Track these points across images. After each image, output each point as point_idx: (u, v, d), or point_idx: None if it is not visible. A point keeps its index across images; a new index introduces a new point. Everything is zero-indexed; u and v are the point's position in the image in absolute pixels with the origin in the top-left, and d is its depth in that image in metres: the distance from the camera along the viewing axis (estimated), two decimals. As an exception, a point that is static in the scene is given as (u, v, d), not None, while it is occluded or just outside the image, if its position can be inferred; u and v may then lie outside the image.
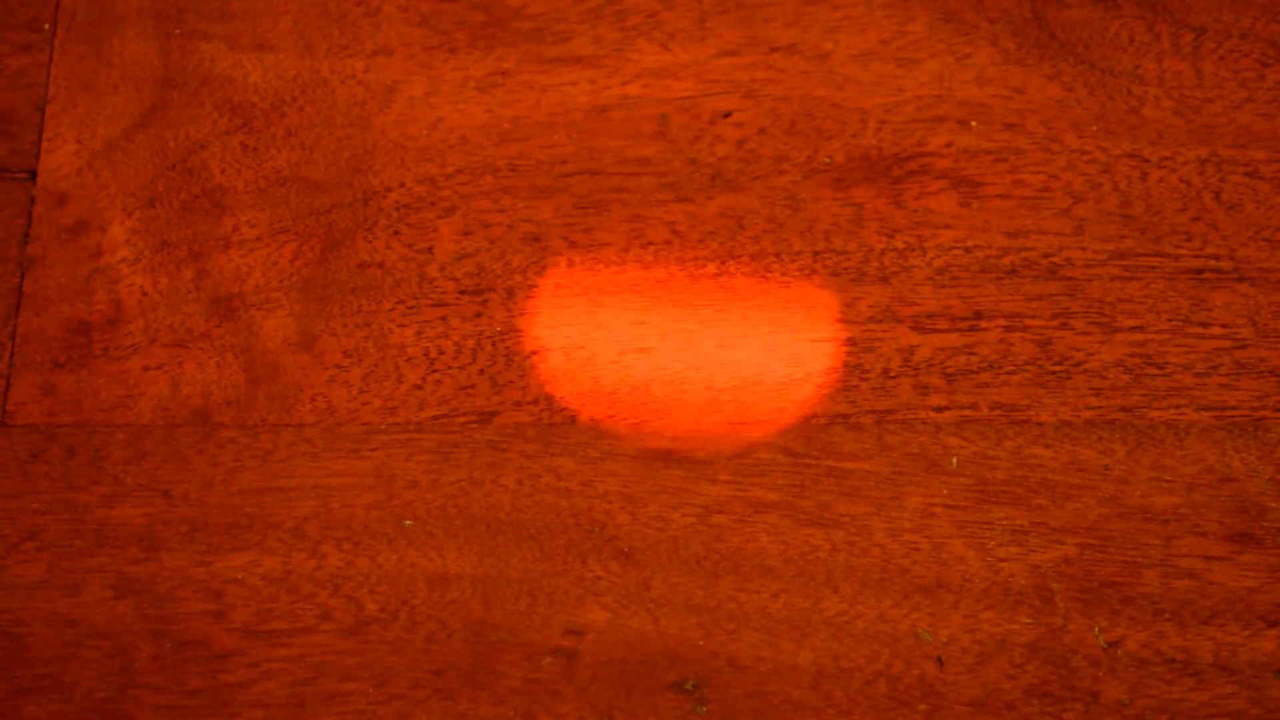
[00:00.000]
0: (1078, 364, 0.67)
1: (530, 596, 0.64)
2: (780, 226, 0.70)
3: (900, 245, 0.69)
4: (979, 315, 0.68)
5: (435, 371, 0.68)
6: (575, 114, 0.72)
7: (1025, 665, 0.62)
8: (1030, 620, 0.63)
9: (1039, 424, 0.66)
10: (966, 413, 0.66)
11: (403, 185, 0.71)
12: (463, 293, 0.69)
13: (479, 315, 0.69)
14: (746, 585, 0.64)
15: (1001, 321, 0.68)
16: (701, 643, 0.63)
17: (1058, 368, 0.67)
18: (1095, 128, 0.71)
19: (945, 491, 0.65)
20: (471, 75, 0.73)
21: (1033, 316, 0.68)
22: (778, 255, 0.69)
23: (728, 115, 0.72)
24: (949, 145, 0.71)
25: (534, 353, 0.68)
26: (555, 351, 0.68)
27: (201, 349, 0.68)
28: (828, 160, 0.71)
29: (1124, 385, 0.67)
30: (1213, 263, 0.69)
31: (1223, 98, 0.71)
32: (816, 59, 0.73)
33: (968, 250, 0.69)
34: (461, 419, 0.67)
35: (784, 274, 0.69)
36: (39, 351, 0.68)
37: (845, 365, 0.67)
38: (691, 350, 0.68)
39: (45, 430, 0.67)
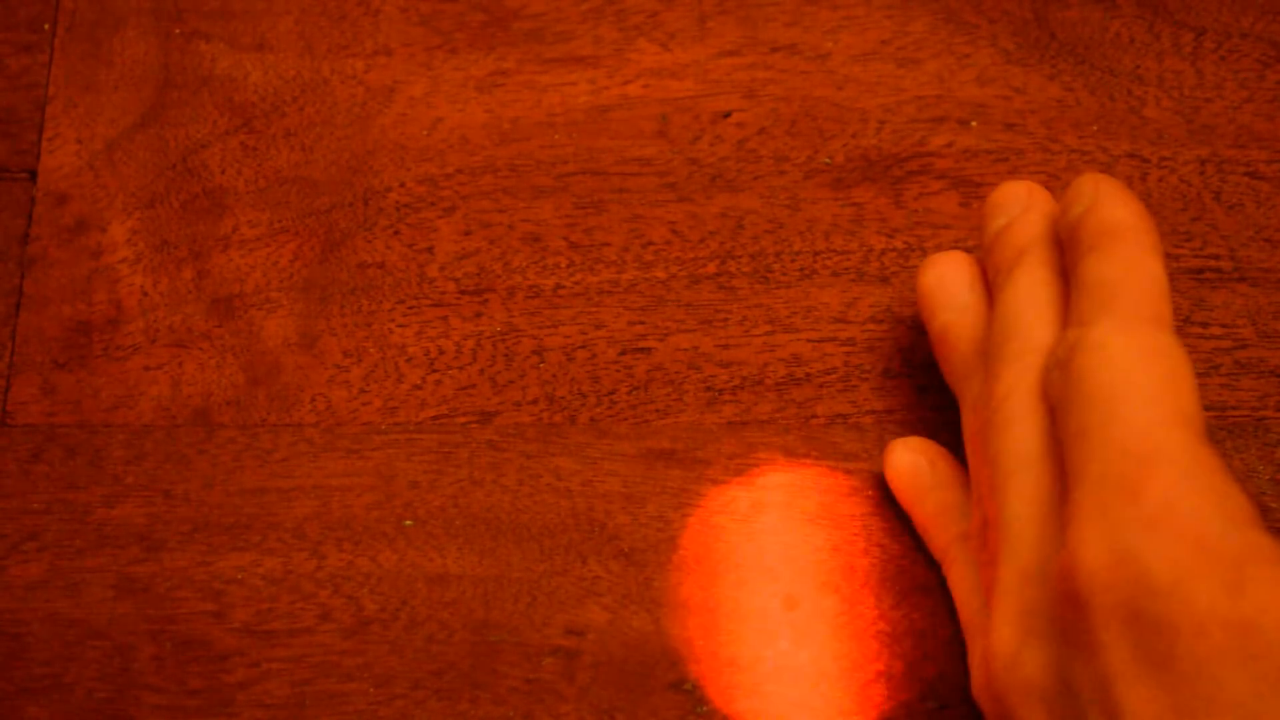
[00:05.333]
0: (1078, 364, 0.67)
1: (530, 596, 0.64)
2: (780, 226, 0.70)
3: (900, 245, 0.69)
4: (979, 315, 0.68)
5: (435, 371, 0.68)
6: (575, 114, 0.72)
7: (1025, 665, 0.62)
8: (1030, 620, 0.63)
9: (1039, 424, 0.66)
10: (966, 413, 0.66)
11: (403, 185, 0.71)
12: (463, 293, 0.69)
13: (479, 315, 0.69)
14: (746, 585, 0.64)
15: (1001, 321, 0.68)
16: (701, 643, 0.63)
17: (1058, 368, 0.67)
18: (1095, 128, 0.71)
19: (945, 491, 0.65)
20: (471, 75, 0.73)
21: (1033, 316, 0.68)
22: (778, 255, 0.69)
23: (728, 115, 0.72)
24: (949, 145, 0.71)
25: (534, 353, 0.68)
26: (555, 351, 0.68)
27: (201, 349, 0.68)
28: (828, 160, 0.71)
29: (1124, 385, 0.67)
30: (1213, 263, 0.69)
31: (1223, 98, 0.71)
32: (817, 59, 0.73)
33: (968, 250, 0.69)
34: (461, 419, 0.67)
35: (784, 274, 0.69)
36: (39, 351, 0.68)
37: (845, 365, 0.67)
38: (691, 350, 0.68)
39: (45, 430, 0.67)
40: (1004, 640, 0.52)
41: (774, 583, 0.64)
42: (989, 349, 0.59)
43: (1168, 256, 0.69)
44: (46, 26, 0.74)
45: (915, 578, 0.64)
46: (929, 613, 0.63)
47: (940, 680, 0.62)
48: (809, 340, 0.68)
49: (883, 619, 0.63)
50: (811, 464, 0.66)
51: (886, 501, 0.65)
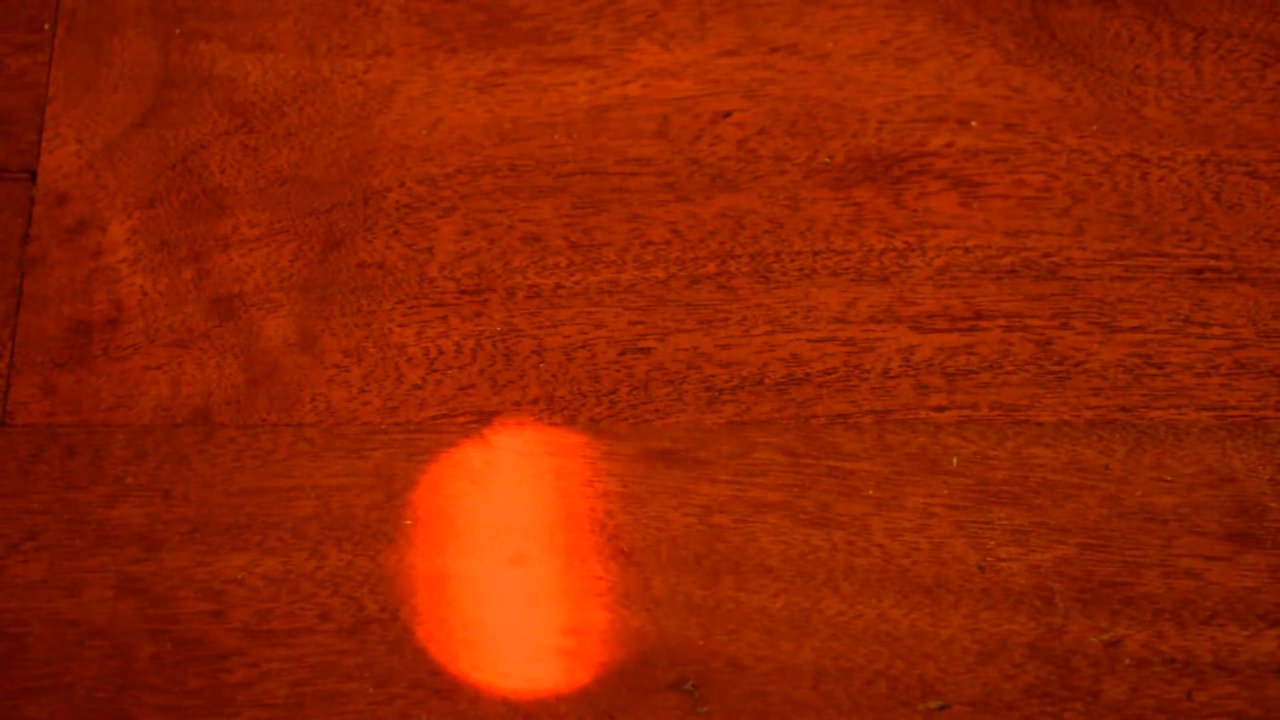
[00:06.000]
0: (1078, 364, 0.67)
1: (530, 596, 0.64)
2: (780, 226, 0.70)
3: (900, 245, 0.69)
4: (979, 315, 0.68)
5: (435, 371, 0.68)
6: (575, 114, 0.72)
7: (1025, 665, 0.62)
8: (1030, 620, 0.63)
9: (1039, 424, 0.66)
10: (966, 413, 0.66)
11: (403, 185, 0.71)
12: (463, 293, 0.69)
13: (479, 315, 0.69)
14: (746, 585, 0.64)
15: (1001, 321, 0.68)
16: (701, 643, 0.63)
17: (1058, 368, 0.67)
18: (1095, 128, 0.71)
19: (945, 491, 0.65)
20: (471, 75, 0.73)
21: (1033, 316, 0.68)
22: (778, 255, 0.69)
23: (728, 115, 0.72)
24: (949, 145, 0.71)
25: (534, 353, 0.68)
26: (555, 351, 0.68)
27: (201, 349, 0.68)
28: (828, 160, 0.71)
29: (1124, 385, 0.67)
30: (1213, 263, 0.69)
31: (1223, 98, 0.71)
32: (816, 59, 0.73)
33: (968, 250, 0.69)
34: (461, 419, 0.67)
35: (784, 274, 0.69)
36: (39, 351, 0.68)
37: (845, 365, 0.67)
38: (691, 350, 0.68)
39: (45, 430, 0.67)
40: None
41: (774, 582, 0.64)
42: None
43: (1167, 256, 0.69)
44: (46, 26, 0.74)
45: (915, 577, 0.64)
46: (929, 613, 0.63)
47: (940, 680, 0.62)
48: (809, 340, 0.68)
49: (883, 619, 0.63)
50: (811, 464, 0.66)
51: (886, 501, 0.65)
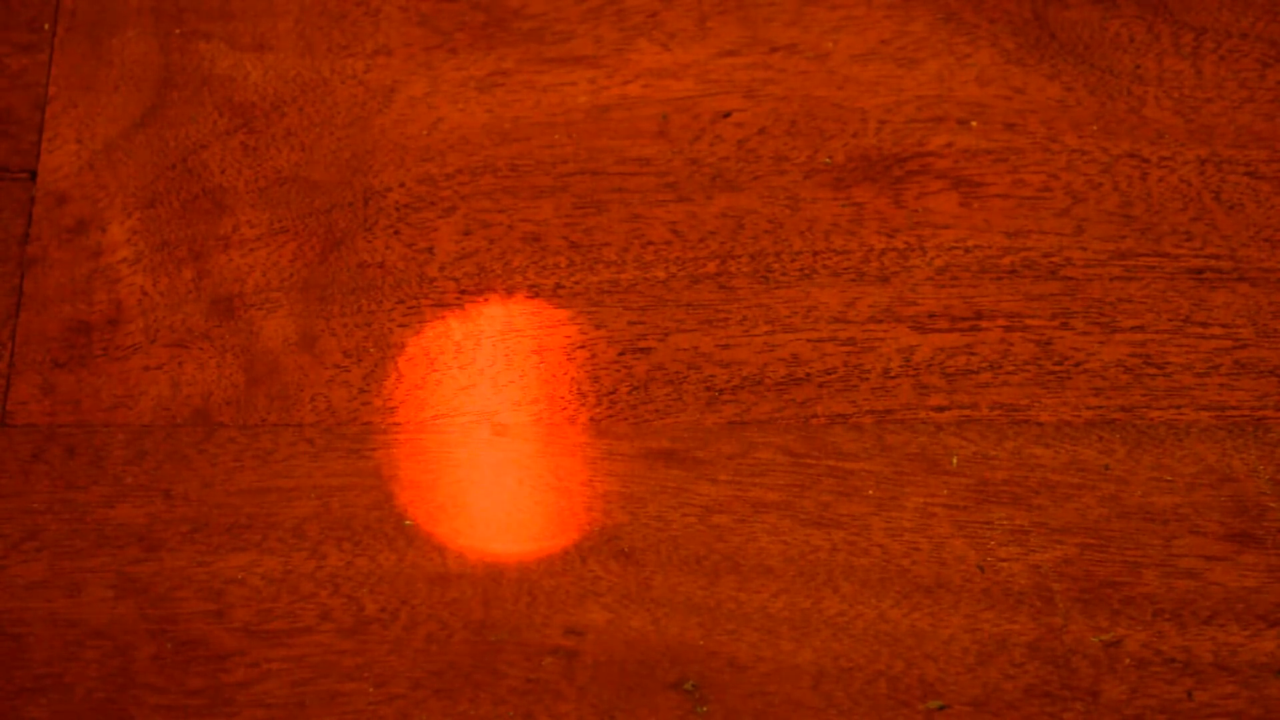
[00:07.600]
0: (1078, 364, 0.67)
1: (530, 596, 0.64)
2: (780, 226, 0.70)
3: (900, 245, 0.69)
4: (979, 315, 0.68)
5: (435, 371, 0.68)
6: (575, 114, 0.72)
7: (1025, 665, 0.62)
8: (1030, 620, 0.63)
9: (1039, 424, 0.66)
10: (966, 413, 0.66)
11: (403, 185, 0.71)
12: (463, 293, 0.69)
13: (479, 315, 0.69)
14: (746, 585, 0.64)
15: (1001, 321, 0.68)
16: (701, 643, 0.63)
17: (1058, 368, 0.67)
18: (1095, 128, 0.71)
19: (945, 491, 0.65)
20: (471, 75, 0.73)
21: (1033, 316, 0.68)
22: (778, 255, 0.69)
23: (728, 115, 0.72)
24: (949, 145, 0.71)
25: (534, 353, 0.68)
26: (555, 351, 0.68)
27: (201, 349, 0.68)
28: (828, 160, 0.71)
29: (1124, 385, 0.67)
30: (1213, 263, 0.69)
31: (1223, 98, 0.71)
32: (816, 59, 0.73)
33: (968, 250, 0.69)
34: (461, 419, 0.67)
35: (784, 274, 0.69)
36: (39, 351, 0.68)
37: (845, 365, 0.67)
38: (691, 350, 0.68)
39: (45, 430, 0.67)
40: None
41: (774, 582, 0.64)
42: None
43: (1167, 256, 0.69)
44: (46, 26, 0.74)
45: (915, 578, 0.64)
46: (929, 613, 0.63)
47: (940, 680, 0.62)
48: (809, 340, 0.68)
49: (883, 619, 0.63)
50: (811, 464, 0.66)
51: (886, 501, 0.65)
